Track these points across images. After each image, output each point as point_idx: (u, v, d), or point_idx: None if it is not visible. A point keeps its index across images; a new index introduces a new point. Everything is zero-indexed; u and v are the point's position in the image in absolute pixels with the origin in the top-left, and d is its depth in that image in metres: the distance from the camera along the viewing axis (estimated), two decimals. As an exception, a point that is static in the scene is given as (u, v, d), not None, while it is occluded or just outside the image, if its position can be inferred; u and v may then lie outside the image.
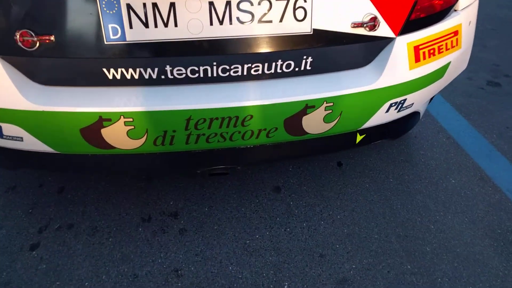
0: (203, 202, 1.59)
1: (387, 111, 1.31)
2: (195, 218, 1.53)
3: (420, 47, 1.25)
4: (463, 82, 2.44)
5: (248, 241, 1.45)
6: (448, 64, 1.36)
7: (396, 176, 1.75)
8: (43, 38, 1.02)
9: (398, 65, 1.23)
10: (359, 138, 1.38)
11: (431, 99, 1.68)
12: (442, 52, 1.32)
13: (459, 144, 1.95)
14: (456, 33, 1.34)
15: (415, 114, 1.48)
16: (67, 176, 1.68)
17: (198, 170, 1.35)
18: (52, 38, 1.02)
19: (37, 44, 1.02)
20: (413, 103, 1.37)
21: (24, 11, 1.00)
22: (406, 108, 1.37)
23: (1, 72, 1.05)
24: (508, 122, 2.11)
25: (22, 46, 1.02)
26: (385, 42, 1.21)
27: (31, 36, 1.01)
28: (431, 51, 1.28)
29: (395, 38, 1.20)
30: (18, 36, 1.01)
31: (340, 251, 1.42)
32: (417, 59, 1.26)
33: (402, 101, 1.32)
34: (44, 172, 1.68)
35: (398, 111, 1.35)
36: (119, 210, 1.55)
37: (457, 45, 1.36)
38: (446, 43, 1.32)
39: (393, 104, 1.30)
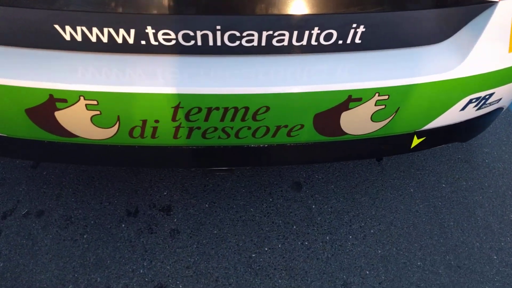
0: (203, 196, 1.28)
1: (463, 108, 0.92)
2: (191, 217, 1.23)
3: (530, 18, 0.83)
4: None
5: (254, 255, 1.15)
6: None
7: (451, 180, 1.38)
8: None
9: (495, 43, 0.83)
10: (416, 141, 1.00)
11: None
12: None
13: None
14: None
15: (498, 110, 1.08)
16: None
17: (191, 169, 1.02)
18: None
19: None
20: (501, 98, 0.97)
21: None
22: (490, 105, 0.97)
23: None
24: None
25: None
26: (479, 7, 0.80)
27: None
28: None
29: (496, 1, 0.78)
30: None
31: (370, 280, 1.11)
32: (522, 37, 0.84)
33: (487, 96, 0.92)
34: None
35: (478, 108, 0.96)
36: (101, 198, 1.27)
37: None
38: None
39: (474, 100, 0.91)
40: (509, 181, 1.38)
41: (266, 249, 1.17)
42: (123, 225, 1.20)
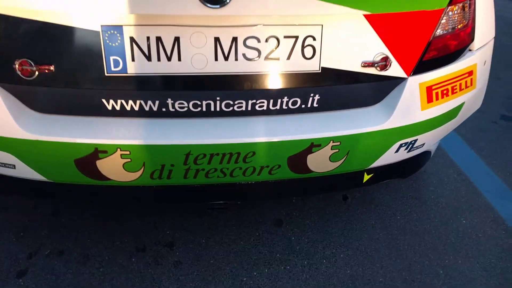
0: (200, 233, 1.53)
1: (397, 151, 1.25)
2: (191, 250, 1.47)
3: (433, 87, 1.20)
4: (475, 116, 2.36)
5: (245, 279, 1.38)
6: (462, 104, 1.30)
7: (404, 213, 1.68)
8: (43, 67, 0.98)
9: (410, 105, 1.18)
10: (366, 177, 1.31)
11: (443, 135, 1.62)
12: (456, 92, 1.26)
13: (471, 181, 1.87)
14: (470, 73, 1.29)
15: (426, 153, 1.42)
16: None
17: (195, 204, 1.29)
18: (52, 68, 0.98)
19: (36, 74, 0.99)
20: (424, 143, 1.31)
21: (24, 40, 0.96)
22: (417, 149, 1.31)
23: (-4, 98, 1.01)
24: (509, 161, 2.03)
25: (21, 75, 0.99)
26: (397, 82, 1.16)
27: (31, 65, 0.98)
28: (445, 92, 1.23)
29: (407, 78, 1.15)
30: (17, 65, 0.97)
31: (341, 294, 1.35)
32: (430, 100, 1.20)
33: (412, 142, 1.26)
34: (32, 198, 1.64)
35: (408, 151, 1.29)
36: (113, 238, 1.50)
37: (471, 85, 1.31)
38: (460, 83, 1.27)
39: (403, 145, 1.25)
40: (451, 212, 1.70)
41: (255, 273, 1.40)
42: (133, 259, 1.43)
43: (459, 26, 1.19)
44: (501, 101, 2.54)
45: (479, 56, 1.30)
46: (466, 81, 1.28)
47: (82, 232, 1.51)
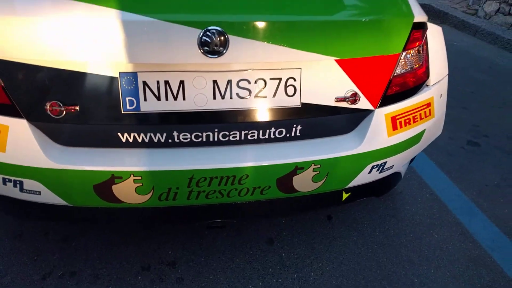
0: (200, 252, 1.69)
1: (369, 172, 1.46)
2: (192, 268, 1.62)
3: (397, 117, 1.42)
4: (445, 142, 2.62)
5: (241, 292, 1.54)
6: (423, 131, 1.53)
7: (383, 230, 1.87)
8: (69, 108, 1.18)
9: (378, 132, 1.40)
10: (345, 196, 1.51)
11: (412, 159, 1.84)
12: (417, 121, 1.49)
13: (442, 200, 2.08)
14: (428, 105, 1.52)
15: (396, 174, 1.63)
16: (72, 225, 1.79)
17: (197, 223, 1.46)
18: (77, 108, 1.18)
19: (64, 113, 1.18)
20: (393, 165, 1.52)
21: (54, 85, 1.16)
22: (387, 170, 1.52)
23: (28, 135, 1.19)
24: (487, 180, 2.26)
25: (50, 114, 1.18)
26: (365, 113, 1.38)
27: (59, 106, 1.17)
28: (407, 121, 1.46)
29: (374, 110, 1.38)
30: (48, 106, 1.17)
31: (328, 302, 1.51)
32: (395, 128, 1.42)
33: (382, 164, 1.47)
34: (51, 221, 1.79)
35: (380, 172, 1.50)
36: (121, 259, 1.64)
37: (430, 115, 1.54)
38: (420, 114, 1.50)
39: (375, 167, 1.45)
40: (424, 228, 1.89)
41: (250, 286, 1.56)
42: (139, 277, 1.57)
43: (415, 66, 1.44)
44: (468, 129, 2.80)
45: (435, 90, 1.54)
46: (425, 112, 1.52)
47: (92, 255, 1.65)
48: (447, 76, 1.64)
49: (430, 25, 1.54)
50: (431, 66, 1.52)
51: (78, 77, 1.16)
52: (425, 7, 5.77)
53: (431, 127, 1.57)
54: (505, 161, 2.44)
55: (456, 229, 1.89)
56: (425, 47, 1.47)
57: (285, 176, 1.33)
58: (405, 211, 1.99)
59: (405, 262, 1.70)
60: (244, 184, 1.31)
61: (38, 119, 1.20)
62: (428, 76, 1.51)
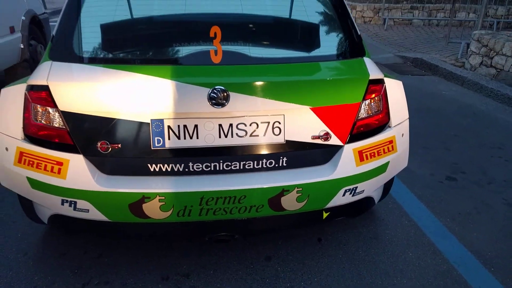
0: (209, 266, 2.04)
1: (343, 195, 1.83)
2: (202, 278, 1.96)
3: (363, 151, 1.82)
4: (426, 177, 2.98)
5: (243, 297, 1.87)
6: (388, 163, 1.92)
7: (365, 249, 2.19)
8: (114, 145, 1.62)
9: (347, 163, 1.79)
10: (325, 215, 1.88)
11: (389, 187, 2.20)
12: (381, 154, 1.88)
13: (418, 225, 2.40)
14: (391, 141, 1.92)
15: (369, 198, 1.99)
16: (105, 244, 2.17)
17: (206, 236, 1.83)
18: (119, 145, 1.63)
19: (109, 149, 1.63)
20: (364, 190, 1.90)
21: (104, 129, 1.62)
22: (359, 194, 1.89)
23: (83, 166, 1.63)
24: (460, 209, 2.58)
25: (100, 151, 1.63)
26: (337, 148, 1.79)
27: (107, 144, 1.62)
28: (372, 154, 1.85)
29: (343, 146, 1.78)
30: (98, 145, 1.62)
31: (315, 305, 1.82)
32: (361, 159, 1.82)
33: (354, 188, 1.84)
34: (90, 240, 2.17)
35: (353, 195, 1.87)
36: (144, 271, 2.00)
37: (393, 149, 1.93)
38: (384, 148, 1.89)
39: (347, 190, 1.83)
40: (401, 248, 2.21)
41: (250, 293, 1.89)
42: (159, 285, 1.92)
43: (375, 112, 1.86)
44: (448, 166, 3.15)
45: (396, 131, 1.95)
46: (388, 147, 1.92)
47: (121, 268, 2.02)
48: (407, 119, 2.05)
49: (390, 80, 1.98)
50: (392, 111, 1.94)
51: (121, 123, 1.62)
52: (418, 60, 6.32)
53: (395, 159, 1.96)
54: (478, 194, 2.77)
55: (429, 249, 2.20)
56: (384, 96, 1.90)
57: (275, 196, 1.72)
58: (385, 234, 2.32)
59: (382, 274, 2.01)
60: (243, 203, 1.70)
61: (91, 154, 1.64)
62: (389, 119, 1.93)
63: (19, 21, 4.38)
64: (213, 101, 1.58)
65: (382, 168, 1.91)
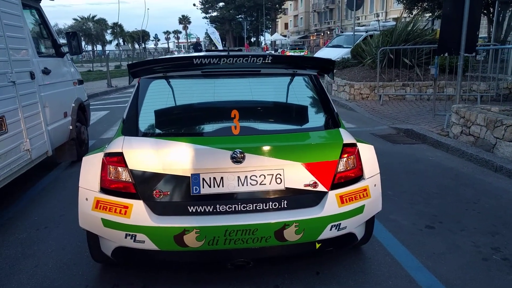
0: (230, 292, 2.59)
1: (330, 229, 2.45)
2: (225, 301, 2.51)
3: (343, 196, 2.48)
4: (408, 226, 3.54)
5: (257, 313, 2.40)
6: (363, 205, 2.56)
7: (354, 279, 2.72)
8: (164, 193, 2.32)
9: (332, 205, 2.44)
10: (317, 245, 2.47)
11: (370, 230, 2.80)
12: (358, 199, 2.53)
13: (399, 262, 2.94)
14: (365, 190, 2.58)
15: (352, 234, 2.59)
16: (149, 276, 2.74)
17: (228, 262, 2.43)
18: (168, 193, 2.32)
19: (161, 196, 2.32)
20: (346, 226, 2.51)
21: (158, 182, 2.32)
22: (343, 229, 2.50)
23: (142, 209, 2.31)
24: (435, 250, 3.11)
25: (154, 197, 2.32)
26: (324, 193, 2.45)
27: (160, 192, 2.32)
28: (350, 198, 2.50)
29: (327, 192, 2.45)
30: (154, 193, 2.31)
31: (313, 318, 2.34)
32: (342, 202, 2.47)
33: (338, 224, 2.46)
34: (142, 270, 2.76)
35: (338, 230, 2.48)
36: (179, 296, 2.56)
37: (367, 196, 2.58)
38: (359, 195, 2.55)
39: (333, 226, 2.45)
40: (383, 278, 2.73)
41: (262, 310, 2.42)
42: (192, 305, 2.47)
43: (350, 167, 2.55)
44: (428, 217, 3.72)
45: (369, 182, 2.61)
46: (363, 193, 2.57)
47: (161, 294, 2.58)
48: (378, 174, 2.72)
49: (363, 144, 2.69)
50: (364, 167, 2.63)
51: (170, 177, 2.33)
52: (409, 131, 7.10)
53: (369, 204, 2.60)
54: (451, 238, 3.31)
55: (406, 279, 2.72)
56: (357, 156, 2.60)
57: (279, 230, 2.35)
58: (371, 269, 2.86)
59: (367, 297, 2.53)
60: (255, 234, 2.33)
61: (148, 200, 2.33)
62: (362, 173, 2.61)
63: (70, 107, 5.36)
64: (234, 160, 2.31)
65: (359, 210, 2.54)
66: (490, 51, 10.75)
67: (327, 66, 2.78)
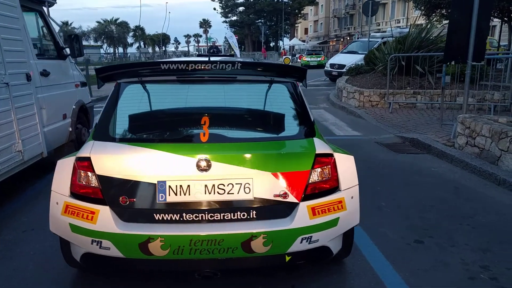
0: (199, 303, 2.54)
1: (301, 242, 2.37)
2: (192, 311, 2.46)
3: (315, 208, 2.40)
4: (396, 240, 3.42)
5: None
6: (338, 218, 2.47)
7: (329, 295, 2.63)
8: (130, 199, 2.29)
9: (303, 216, 2.36)
10: (287, 258, 2.40)
11: (348, 244, 2.70)
12: (331, 211, 2.44)
13: (380, 277, 2.83)
14: (340, 202, 2.49)
15: (325, 247, 2.50)
16: (119, 284, 2.72)
17: (195, 272, 2.38)
18: (134, 199, 2.29)
19: (127, 202, 2.29)
20: (318, 239, 2.42)
21: (124, 188, 2.30)
22: (314, 242, 2.42)
23: (108, 214, 2.29)
24: (420, 266, 2.98)
25: (121, 203, 2.29)
26: (294, 204, 2.38)
27: (126, 198, 2.29)
28: (323, 210, 2.42)
29: (299, 203, 2.37)
30: (120, 199, 2.29)
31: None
32: (314, 214, 2.39)
33: (309, 237, 2.38)
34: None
35: (309, 243, 2.40)
36: (147, 304, 2.52)
37: (342, 208, 2.49)
38: (334, 207, 2.46)
39: (304, 239, 2.37)
40: (360, 294, 2.63)
41: (228, 322, 2.36)
42: (158, 315, 2.43)
43: (324, 178, 2.46)
44: (418, 231, 3.58)
45: (345, 193, 2.52)
46: (338, 206, 2.48)
47: (129, 301, 2.55)
48: (356, 185, 2.62)
49: (340, 155, 2.60)
50: (341, 178, 2.54)
51: (137, 183, 2.30)
52: (414, 140, 6.92)
53: (345, 216, 2.51)
54: (439, 255, 3.17)
55: (384, 296, 2.61)
56: (332, 166, 2.51)
57: (246, 241, 2.29)
58: (350, 284, 2.76)
59: (339, 313, 2.44)
60: (222, 245, 2.27)
61: (114, 206, 2.31)
62: (338, 184, 2.52)
63: (71, 109, 5.44)
64: (200, 168, 2.26)
65: (333, 222, 2.45)
66: (510, 60, 10.41)
67: (298, 74, 2.71)
